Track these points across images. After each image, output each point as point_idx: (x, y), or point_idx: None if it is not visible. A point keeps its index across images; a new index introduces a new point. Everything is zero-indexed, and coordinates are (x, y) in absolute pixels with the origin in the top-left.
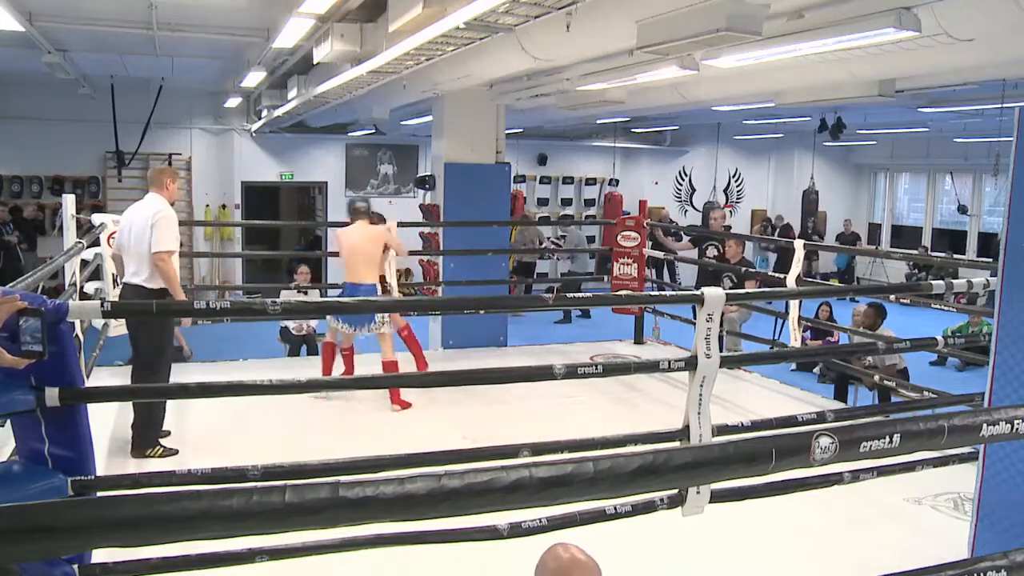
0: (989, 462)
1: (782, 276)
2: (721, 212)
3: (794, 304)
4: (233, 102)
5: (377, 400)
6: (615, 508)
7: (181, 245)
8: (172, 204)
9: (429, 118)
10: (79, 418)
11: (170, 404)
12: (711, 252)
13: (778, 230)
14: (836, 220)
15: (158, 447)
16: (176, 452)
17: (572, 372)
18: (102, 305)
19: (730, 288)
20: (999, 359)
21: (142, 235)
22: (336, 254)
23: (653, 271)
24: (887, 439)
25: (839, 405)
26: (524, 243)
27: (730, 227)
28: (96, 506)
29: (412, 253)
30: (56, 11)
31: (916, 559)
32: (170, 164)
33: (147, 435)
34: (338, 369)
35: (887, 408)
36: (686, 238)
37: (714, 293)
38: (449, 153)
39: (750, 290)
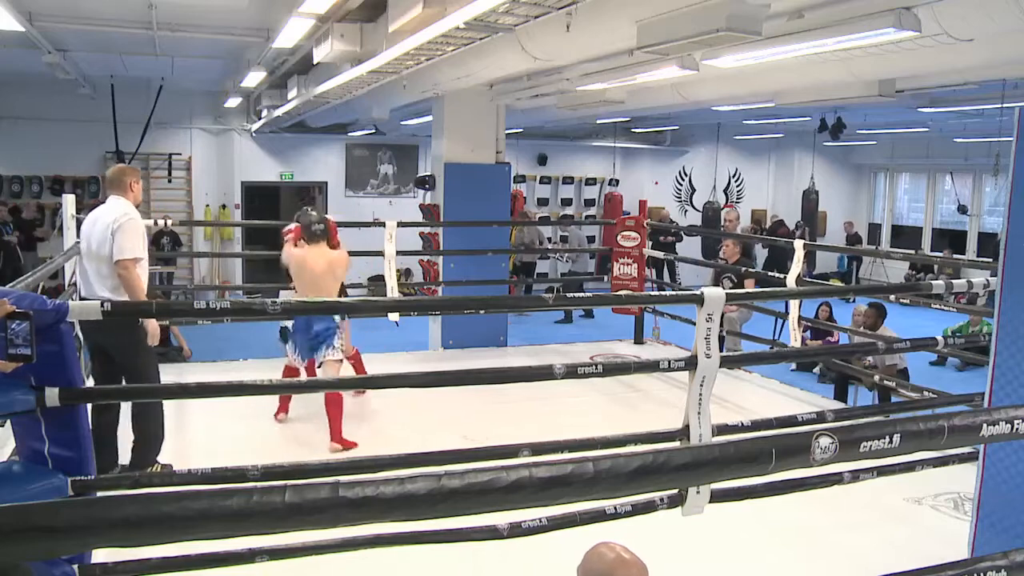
0: (989, 462)
1: (781, 276)
2: (735, 213)
3: (794, 304)
4: (233, 102)
5: (377, 400)
6: (615, 508)
7: (180, 245)
8: (136, 207)
9: (429, 118)
10: (79, 418)
11: (170, 404)
12: (723, 253)
13: (767, 229)
14: (836, 220)
15: (156, 464)
16: (171, 467)
17: (572, 372)
18: (102, 305)
19: (730, 288)
20: (999, 359)
21: (103, 243)
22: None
23: (653, 271)
24: (887, 439)
25: (839, 405)
26: (523, 243)
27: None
28: (96, 506)
29: (410, 253)
30: (56, 11)
31: (916, 559)
32: (170, 164)
33: (148, 456)
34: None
35: (887, 408)
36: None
37: (714, 293)
38: (449, 153)
39: (750, 290)
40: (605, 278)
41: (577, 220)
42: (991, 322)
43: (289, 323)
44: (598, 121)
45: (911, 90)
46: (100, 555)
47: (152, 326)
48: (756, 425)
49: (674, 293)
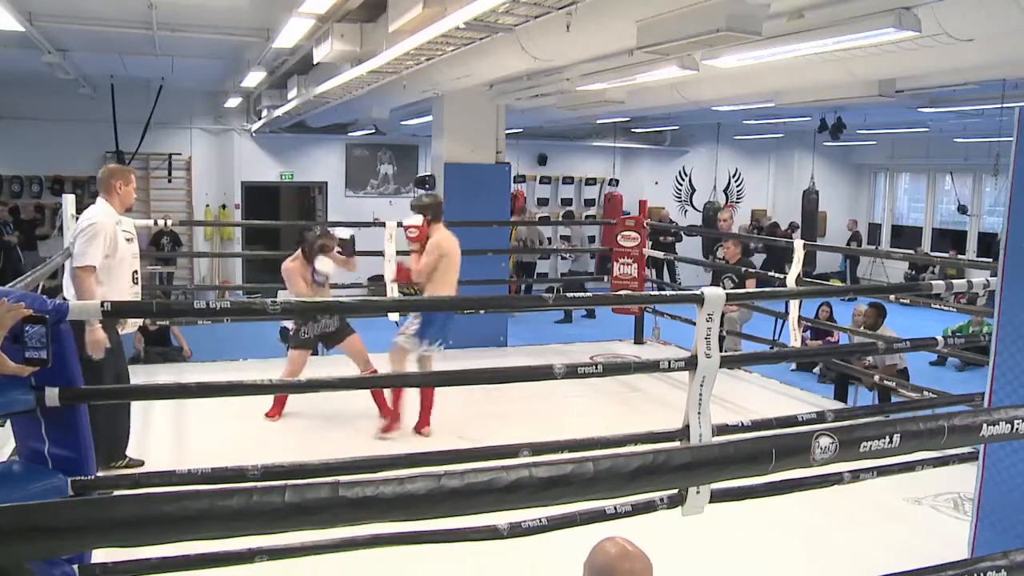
0: (989, 462)
1: (781, 276)
2: (728, 212)
3: (794, 304)
4: (233, 102)
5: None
6: (615, 508)
7: (180, 245)
8: (128, 211)
9: (429, 118)
10: (79, 418)
11: (170, 404)
12: (721, 253)
13: (763, 229)
14: (836, 220)
15: (124, 459)
16: (142, 463)
17: (572, 372)
18: (102, 305)
19: (731, 288)
20: (999, 359)
21: (72, 245)
22: None
23: (653, 271)
24: (887, 439)
25: (839, 405)
26: (521, 240)
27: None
28: (96, 506)
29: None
30: (56, 11)
31: (916, 559)
32: (170, 164)
33: (112, 449)
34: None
35: (887, 408)
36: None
37: (714, 293)
38: (449, 153)
39: (750, 290)
40: (605, 278)
41: (577, 220)
42: (991, 322)
43: (290, 323)
44: (598, 121)
45: (911, 90)
46: (100, 555)
47: (94, 336)
48: (756, 425)
49: (674, 293)
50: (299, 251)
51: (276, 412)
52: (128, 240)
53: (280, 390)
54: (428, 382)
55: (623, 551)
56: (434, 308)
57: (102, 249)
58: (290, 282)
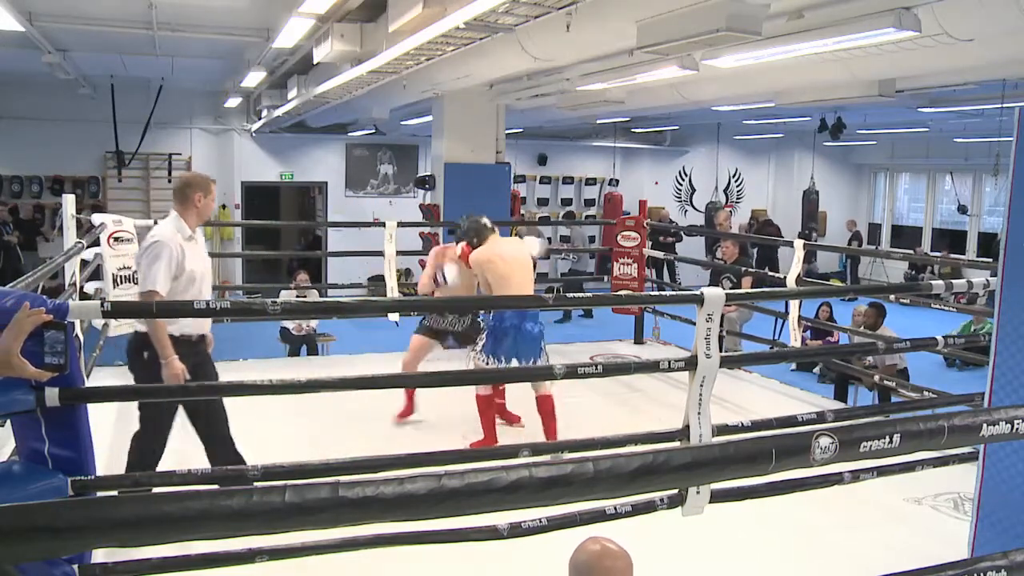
0: (989, 462)
1: (781, 276)
2: (726, 213)
3: (794, 304)
4: (233, 102)
5: (377, 400)
6: (615, 508)
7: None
8: (206, 223)
9: (429, 118)
10: (79, 418)
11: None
12: (720, 254)
13: (754, 229)
14: (836, 220)
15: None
16: None
17: (572, 372)
18: (102, 305)
19: (729, 288)
20: (999, 359)
21: (138, 268)
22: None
23: (653, 271)
24: (887, 439)
25: (839, 405)
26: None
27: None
28: (96, 506)
29: (410, 253)
30: (56, 11)
31: (916, 559)
32: (170, 164)
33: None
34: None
35: (887, 408)
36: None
37: (714, 293)
38: (449, 153)
39: (750, 290)
40: (605, 278)
41: (577, 220)
42: (992, 322)
43: (290, 324)
44: (598, 121)
45: (911, 90)
46: (100, 555)
47: (172, 368)
48: (756, 425)
49: (674, 293)
50: (463, 241)
51: (408, 411)
52: (199, 258)
53: (280, 390)
54: (429, 382)
55: (604, 549)
56: (433, 308)
57: (167, 270)
58: (428, 263)
